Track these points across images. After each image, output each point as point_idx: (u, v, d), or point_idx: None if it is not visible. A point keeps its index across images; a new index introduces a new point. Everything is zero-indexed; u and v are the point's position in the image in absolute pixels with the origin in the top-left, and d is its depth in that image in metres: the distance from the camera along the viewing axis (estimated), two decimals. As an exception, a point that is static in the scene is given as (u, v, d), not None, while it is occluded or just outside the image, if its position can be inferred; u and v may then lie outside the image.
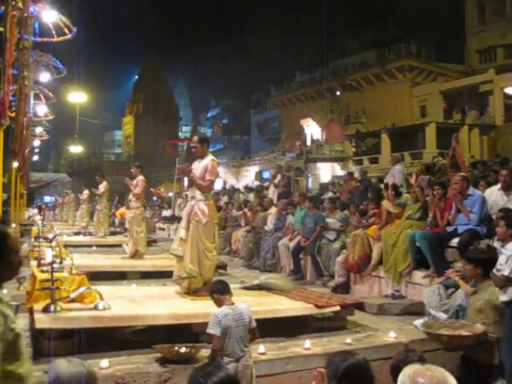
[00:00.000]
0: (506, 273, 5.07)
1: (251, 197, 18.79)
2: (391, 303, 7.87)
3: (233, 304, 4.65)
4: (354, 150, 33.40)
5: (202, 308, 6.07)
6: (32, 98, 19.31)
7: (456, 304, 6.41)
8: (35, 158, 37.15)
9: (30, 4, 11.25)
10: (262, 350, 5.31)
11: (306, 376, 5.17)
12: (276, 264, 11.77)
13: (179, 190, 27.47)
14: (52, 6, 15.59)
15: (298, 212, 11.61)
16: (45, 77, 21.31)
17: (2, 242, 2.65)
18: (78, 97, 33.27)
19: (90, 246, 14.52)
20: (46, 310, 5.41)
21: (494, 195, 7.93)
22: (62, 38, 17.30)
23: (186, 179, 10.56)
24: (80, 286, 6.07)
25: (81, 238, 16.50)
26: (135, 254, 11.33)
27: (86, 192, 18.81)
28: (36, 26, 16.17)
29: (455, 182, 8.01)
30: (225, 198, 20.40)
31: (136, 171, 11.64)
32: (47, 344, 5.14)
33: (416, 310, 7.48)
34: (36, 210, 27.38)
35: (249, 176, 38.81)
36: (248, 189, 21.07)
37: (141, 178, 11.51)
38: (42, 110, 25.99)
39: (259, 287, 7.75)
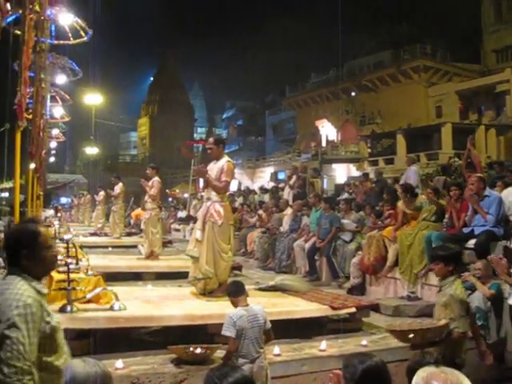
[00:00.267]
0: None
1: (266, 198, 18.79)
2: (407, 305, 7.82)
3: (247, 305, 4.64)
4: (369, 150, 33.29)
5: (217, 309, 6.08)
6: (49, 100, 19.43)
7: (473, 306, 6.35)
8: (52, 159, 37.32)
9: (46, 7, 11.33)
10: (277, 351, 5.31)
11: (321, 378, 5.15)
12: (291, 265, 11.74)
13: (194, 191, 27.56)
14: (68, 9, 15.71)
15: (313, 213, 11.59)
16: (61, 79, 21.45)
17: (33, 238, 2.82)
18: (93, 99, 33.48)
19: (106, 246, 14.57)
20: (62, 310, 5.44)
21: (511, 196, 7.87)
22: (78, 41, 17.43)
23: (201, 180, 10.59)
24: (96, 287, 6.10)
25: (97, 239, 16.59)
26: (151, 255, 11.36)
27: (101, 193, 18.92)
28: (52, 28, 16.30)
29: (472, 183, 7.95)
30: (240, 199, 20.41)
31: (152, 172, 11.68)
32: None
33: (432, 311, 7.41)
34: (52, 211, 27.53)
35: (264, 177, 38.81)
36: (263, 190, 21.07)
37: (156, 179, 11.54)
38: (58, 111, 26.19)
39: (274, 288, 7.74)
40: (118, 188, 16.02)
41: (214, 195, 7.23)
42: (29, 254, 2.79)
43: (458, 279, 4.67)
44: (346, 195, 15.04)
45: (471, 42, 40.28)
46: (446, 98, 37.31)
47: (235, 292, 4.78)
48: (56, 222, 15.71)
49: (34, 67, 10.52)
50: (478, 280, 6.55)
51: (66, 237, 8.85)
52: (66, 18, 15.98)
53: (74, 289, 5.73)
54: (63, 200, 44.23)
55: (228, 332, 4.43)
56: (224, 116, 76.89)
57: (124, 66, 76.32)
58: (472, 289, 6.64)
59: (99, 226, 19.16)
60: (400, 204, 9.32)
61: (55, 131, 28.74)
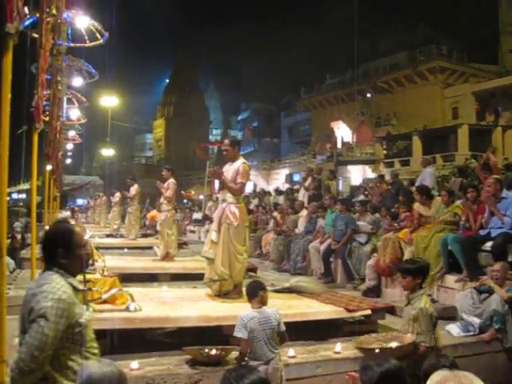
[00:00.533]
0: None
1: (281, 200, 18.77)
2: (423, 307, 7.77)
3: (260, 307, 4.64)
4: (384, 152, 33.17)
5: (232, 310, 6.08)
6: (65, 103, 19.60)
7: (491, 309, 6.30)
8: (68, 161, 37.64)
9: (63, 10, 11.41)
10: (292, 353, 5.30)
11: (336, 380, 5.14)
12: (306, 267, 11.72)
13: (210, 192, 27.62)
14: (84, 12, 15.83)
15: (328, 215, 11.56)
16: (78, 81, 21.62)
17: (68, 237, 3.03)
18: (109, 101, 33.66)
19: (122, 248, 14.61)
20: (78, 311, 5.46)
21: (529, 198, 7.79)
22: (94, 43, 17.56)
23: (216, 182, 10.59)
24: (112, 288, 6.13)
25: (112, 240, 16.64)
26: (166, 257, 11.40)
27: (117, 195, 18.99)
28: (69, 31, 16.43)
29: (488, 185, 7.89)
30: (255, 201, 20.41)
31: (167, 174, 11.71)
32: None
33: (448, 314, 7.36)
34: (69, 213, 27.74)
35: (279, 179, 38.85)
36: (278, 191, 21.05)
37: (172, 180, 11.58)
38: (74, 113, 26.41)
39: (289, 290, 7.74)
40: (134, 190, 16.07)
41: (229, 197, 7.24)
42: (64, 251, 2.99)
43: (426, 293, 4.65)
44: (361, 197, 14.99)
45: (488, 42, 40.05)
46: (462, 99, 37.09)
47: (248, 294, 4.80)
48: (72, 223, 15.82)
49: (51, 70, 10.59)
50: (495, 283, 6.51)
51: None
52: (83, 21, 16.13)
53: (90, 289, 5.75)
54: (79, 201, 44.51)
55: (239, 333, 4.45)
56: (239, 118, 77.01)
57: (140, 68, 76.76)
58: (489, 292, 6.60)
59: (115, 227, 19.24)
60: (416, 206, 9.28)
61: (71, 133, 28.95)
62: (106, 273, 6.53)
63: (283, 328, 4.62)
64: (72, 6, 14.90)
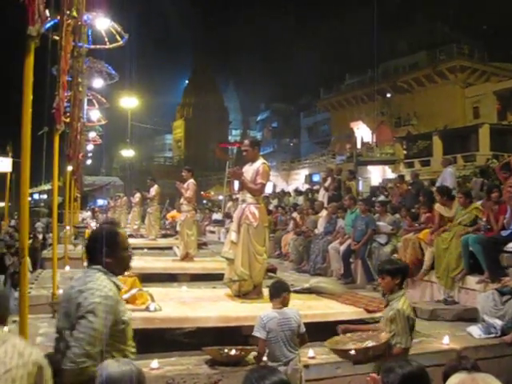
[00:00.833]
0: None
1: (300, 200, 18.74)
2: (443, 309, 7.71)
3: (281, 308, 4.63)
4: (405, 152, 32.95)
5: (251, 311, 6.08)
6: (86, 104, 19.76)
7: (512, 311, 6.24)
8: (89, 162, 37.96)
9: (83, 13, 11.52)
10: (311, 353, 5.29)
11: (355, 381, 5.12)
12: (326, 268, 11.69)
13: (229, 193, 27.66)
14: (105, 14, 15.97)
15: (348, 215, 11.52)
16: (98, 83, 21.82)
17: (114, 239, 3.12)
18: (129, 102, 33.86)
19: (142, 248, 14.68)
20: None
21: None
22: (114, 45, 17.70)
23: (236, 182, 10.60)
24: (132, 288, 6.16)
25: (132, 241, 16.66)
26: (186, 257, 11.44)
27: (137, 195, 19.09)
28: (89, 33, 16.59)
29: (510, 185, 7.81)
30: (275, 202, 20.40)
31: (187, 175, 11.75)
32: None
33: (469, 316, 7.30)
34: (89, 213, 27.95)
35: (299, 179, 38.81)
36: (298, 192, 21.03)
37: (192, 181, 11.62)
38: (95, 115, 26.65)
39: (309, 291, 7.73)
40: (154, 190, 16.15)
41: (249, 197, 7.24)
42: (109, 251, 3.07)
43: (405, 294, 4.58)
44: (382, 197, 14.92)
45: (510, 41, 39.58)
46: (483, 99, 36.72)
47: (271, 293, 4.79)
48: (93, 224, 15.95)
49: (72, 71, 10.68)
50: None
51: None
52: (103, 23, 16.27)
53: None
54: (100, 202, 44.83)
55: (258, 333, 4.44)
56: (258, 118, 76.99)
57: (159, 69, 77.20)
58: (511, 293, 6.53)
59: (135, 227, 19.34)
60: (437, 207, 9.20)
61: (92, 134, 29.21)
62: (126, 273, 6.56)
63: (303, 330, 4.60)
64: (92, 8, 15.04)
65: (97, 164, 58.17)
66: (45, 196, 48.34)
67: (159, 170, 53.18)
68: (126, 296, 5.93)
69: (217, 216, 25.06)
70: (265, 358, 4.50)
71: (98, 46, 18.04)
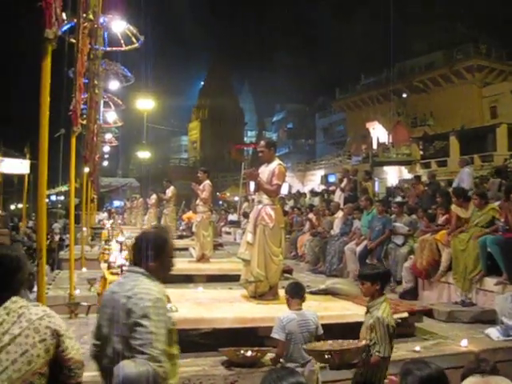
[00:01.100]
0: None
1: (316, 201, 18.71)
2: (461, 310, 7.65)
3: (300, 309, 4.62)
4: (421, 153, 32.71)
5: (267, 312, 6.08)
6: (102, 106, 19.89)
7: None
8: (105, 163, 38.25)
9: (99, 15, 11.60)
10: (328, 355, 5.27)
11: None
12: (342, 269, 11.65)
13: (245, 194, 27.68)
14: (120, 17, 16.07)
15: (364, 216, 11.47)
16: (114, 85, 21.95)
17: (162, 243, 3.08)
18: (145, 103, 33.99)
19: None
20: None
21: None
22: (130, 47, 17.80)
23: (251, 183, 10.62)
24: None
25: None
26: (202, 258, 11.46)
27: (153, 196, 19.17)
28: (105, 36, 16.70)
29: (529, 186, 7.73)
30: (291, 203, 20.39)
31: (203, 176, 11.77)
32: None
33: (487, 317, 7.24)
34: (106, 214, 28.14)
35: (314, 180, 38.73)
36: (313, 193, 21.00)
37: (207, 182, 11.64)
38: (111, 116, 26.80)
39: (325, 292, 7.70)
40: (170, 191, 16.21)
41: (265, 198, 7.24)
42: (155, 255, 3.02)
43: (387, 301, 4.51)
44: (399, 198, 14.84)
45: (528, 40, 39.21)
46: (501, 98, 36.37)
47: (290, 293, 4.76)
48: (109, 225, 16.03)
49: (88, 74, 10.77)
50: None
51: (119, 239, 9.04)
52: (119, 26, 16.37)
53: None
54: (116, 203, 45.10)
55: (277, 335, 4.43)
56: (274, 119, 76.95)
57: (175, 71, 77.46)
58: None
59: (151, 228, 19.40)
60: (453, 208, 9.13)
61: (108, 136, 29.39)
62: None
63: (321, 331, 4.59)
64: (108, 11, 15.14)
65: (113, 165, 58.53)
66: (62, 197, 48.62)
67: (175, 172, 53.31)
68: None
69: (232, 217, 25.10)
70: (281, 360, 4.49)
71: (114, 49, 18.15)
